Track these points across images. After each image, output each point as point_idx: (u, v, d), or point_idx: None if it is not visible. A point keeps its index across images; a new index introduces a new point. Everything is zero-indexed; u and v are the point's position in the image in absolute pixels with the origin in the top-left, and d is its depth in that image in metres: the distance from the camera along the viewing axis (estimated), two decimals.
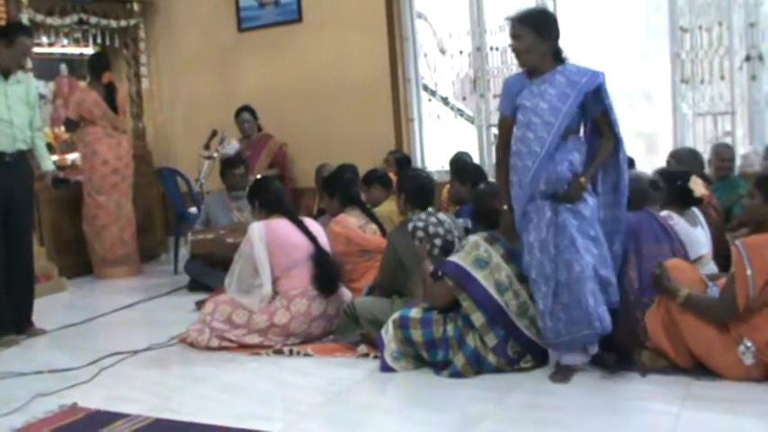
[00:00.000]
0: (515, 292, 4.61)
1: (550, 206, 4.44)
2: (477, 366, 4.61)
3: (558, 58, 4.51)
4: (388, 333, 4.84)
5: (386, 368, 4.82)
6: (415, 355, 4.81)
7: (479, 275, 4.59)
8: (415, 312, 4.81)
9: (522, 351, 4.63)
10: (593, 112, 4.50)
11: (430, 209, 5.46)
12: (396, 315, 4.88)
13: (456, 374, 4.61)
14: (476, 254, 4.65)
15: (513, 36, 4.54)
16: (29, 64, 8.32)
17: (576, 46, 8.08)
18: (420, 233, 5.09)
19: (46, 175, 6.80)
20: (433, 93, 9.13)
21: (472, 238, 4.78)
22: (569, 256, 4.36)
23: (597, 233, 4.45)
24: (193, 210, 8.73)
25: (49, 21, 9.04)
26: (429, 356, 4.74)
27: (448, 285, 4.65)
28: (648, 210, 4.93)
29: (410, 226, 5.27)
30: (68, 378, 5.19)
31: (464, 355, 4.60)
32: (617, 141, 4.51)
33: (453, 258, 4.71)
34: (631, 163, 6.43)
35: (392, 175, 7.16)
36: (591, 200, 4.47)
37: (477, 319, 4.58)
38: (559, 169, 4.41)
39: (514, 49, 4.57)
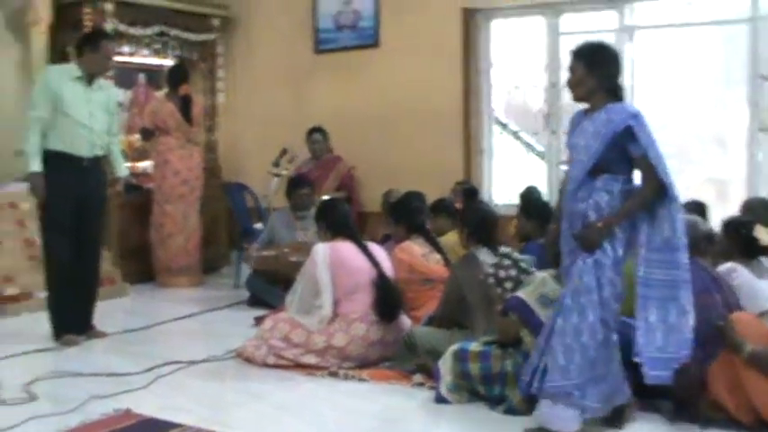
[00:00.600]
0: None
1: (569, 252, 4.35)
2: (533, 404, 4.49)
3: (614, 95, 4.39)
4: (446, 364, 4.81)
5: (440, 399, 4.80)
6: (471, 389, 4.78)
7: (543, 314, 4.51)
8: (474, 346, 4.80)
9: None
10: (633, 155, 4.28)
11: (502, 248, 5.31)
12: (455, 347, 4.85)
13: (511, 411, 4.56)
14: (542, 291, 4.58)
15: (569, 68, 4.48)
16: (109, 72, 8.54)
17: (651, 88, 8.09)
18: (490, 279, 5.02)
19: (119, 180, 6.92)
20: (504, 126, 9.10)
21: (540, 274, 4.72)
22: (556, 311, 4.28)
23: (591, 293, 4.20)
24: (258, 225, 8.80)
25: (131, 31, 9.21)
26: (485, 391, 4.72)
27: (513, 320, 4.61)
28: (697, 260, 4.82)
29: (482, 275, 5.14)
30: (124, 383, 5.26)
31: (521, 391, 4.52)
32: (664, 189, 4.19)
33: (519, 293, 4.66)
34: (702, 209, 6.34)
35: (458, 206, 7.14)
36: (610, 252, 4.23)
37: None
38: (578, 207, 4.31)
39: (567, 82, 4.51)
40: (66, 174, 6.30)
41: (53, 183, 6.27)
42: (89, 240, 6.51)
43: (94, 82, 6.48)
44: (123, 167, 6.91)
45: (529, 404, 4.52)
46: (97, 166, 6.51)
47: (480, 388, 4.73)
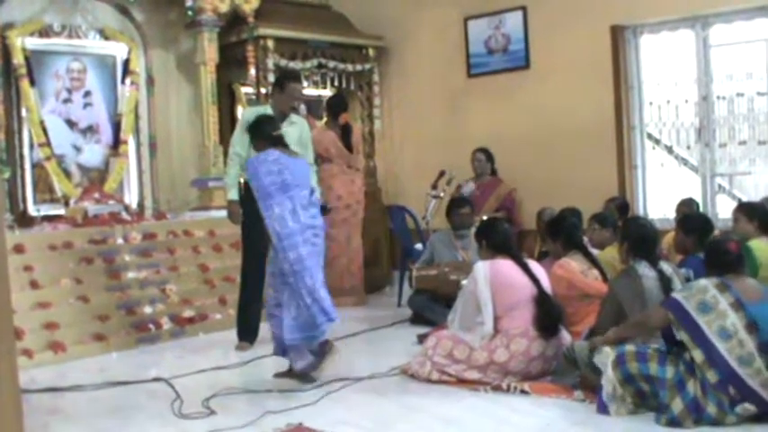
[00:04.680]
0: (741, 341, 4.49)
1: None
2: (697, 415, 4.52)
3: (274, 143, 6.03)
4: (607, 373, 4.79)
5: (602, 408, 4.79)
6: (636, 392, 4.77)
7: (701, 320, 4.53)
8: (630, 346, 4.81)
9: (742, 398, 4.49)
10: None
11: (662, 263, 5.40)
12: (612, 356, 4.80)
13: (674, 421, 4.53)
14: (701, 297, 4.59)
15: None
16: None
17: None
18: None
19: None
20: (657, 141, 9.09)
21: (702, 281, 4.71)
22: None
23: None
24: (419, 246, 8.98)
25: (291, 65, 9.61)
26: (650, 390, 4.71)
27: (668, 316, 4.65)
28: None
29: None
30: (295, 399, 5.48)
31: (682, 401, 4.53)
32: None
33: (677, 296, 4.68)
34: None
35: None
36: None
37: (698, 355, 4.53)
38: None
39: None
40: None
41: (248, 210, 6.92)
42: None
43: (286, 119, 7.05)
44: (316, 192, 7.36)
45: (692, 415, 4.52)
46: None
47: (645, 386, 4.71)
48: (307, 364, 5.85)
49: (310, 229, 5.96)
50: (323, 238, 6.16)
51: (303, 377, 5.92)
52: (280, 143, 6.07)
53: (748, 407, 4.50)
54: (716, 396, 4.52)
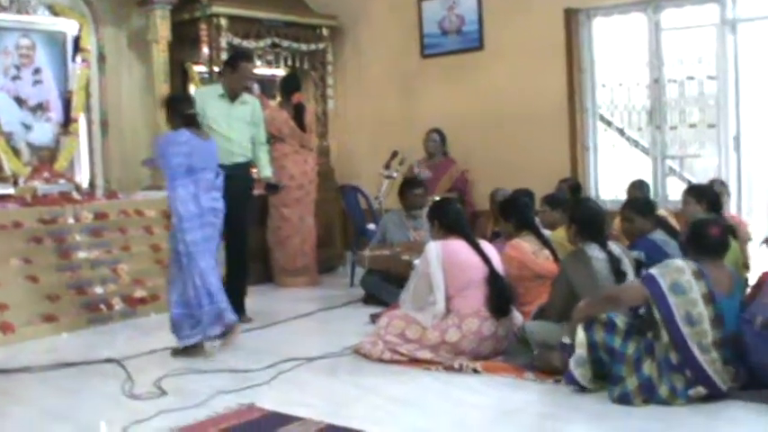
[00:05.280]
0: (703, 332, 4.54)
1: None
2: (648, 395, 4.57)
3: (189, 123, 6.19)
4: (578, 337, 4.80)
5: (570, 379, 4.84)
6: (596, 362, 4.77)
7: (672, 300, 4.55)
8: (602, 316, 4.80)
9: (696, 381, 4.55)
10: None
11: (611, 244, 5.44)
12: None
13: (625, 397, 4.57)
14: (676, 277, 4.60)
15: None
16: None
17: (755, 82, 8.05)
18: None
19: (260, 181, 7.53)
20: (609, 123, 9.15)
21: (679, 262, 4.75)
22: None
23: None
24: (371, 226, 9.00)
25: (245, 44, 9.54)
26: (609, 361, 4.72)
27: (645, 292, 4.67)
28: None
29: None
30: (247, 379, 5.47)
31: (638, 378, 4.58)
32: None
33: (654, 272, 4.70)
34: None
35: None
36: None
37: (664, 336, 4.57)
38: None
39: None
40: None
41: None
42: (236, 236, 7.23)
43: (237, 98, 7.13)
44: (267, 170, 7.60)
45: (644, 394, 4.57)
46: (238, 171, 7.12)
47: (605, 356, 4.73)
48: (189, 340, 6.15)
49: (211, 211, 6.20)
50: (221, 218, 6.34)
51: (190, 352, 6.16)
52: (193, 123, 6.24)
53: (701, 390, 4.56)
54: (670, 379, 4.57)
